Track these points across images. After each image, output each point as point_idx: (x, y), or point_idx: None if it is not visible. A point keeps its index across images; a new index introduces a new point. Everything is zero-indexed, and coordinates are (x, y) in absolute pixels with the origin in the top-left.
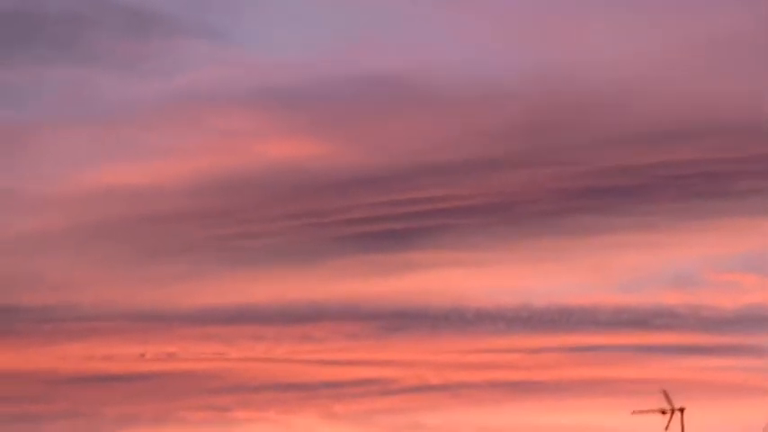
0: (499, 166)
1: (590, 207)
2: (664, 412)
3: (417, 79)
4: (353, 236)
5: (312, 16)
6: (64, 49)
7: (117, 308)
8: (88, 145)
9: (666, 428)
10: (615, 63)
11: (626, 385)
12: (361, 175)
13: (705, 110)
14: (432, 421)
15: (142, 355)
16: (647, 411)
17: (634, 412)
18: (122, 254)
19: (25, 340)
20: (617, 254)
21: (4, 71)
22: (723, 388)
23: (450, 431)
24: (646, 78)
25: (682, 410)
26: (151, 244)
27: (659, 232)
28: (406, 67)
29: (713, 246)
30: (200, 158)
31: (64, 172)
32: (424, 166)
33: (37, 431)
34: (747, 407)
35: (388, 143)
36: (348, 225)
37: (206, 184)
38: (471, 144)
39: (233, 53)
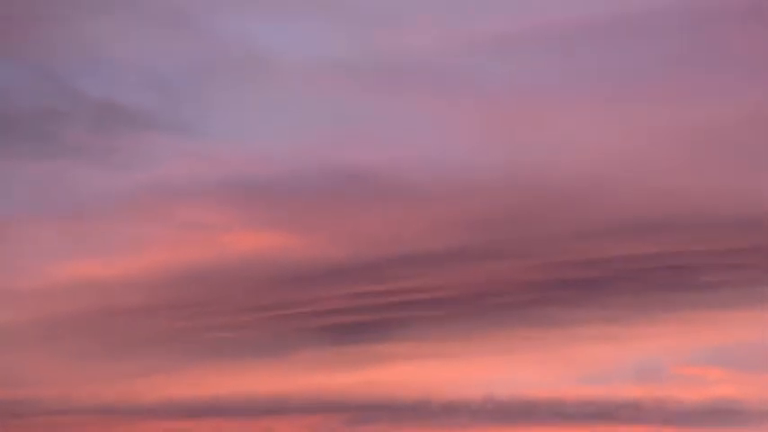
0: (466, 258)
1: (556, 299)
2: None
3: (385, 173)
4: (320, 328)
5: (281, 110)
6: (34, 144)
7: (82, 402)
8: (58, 239)
9: None
10: (583, 157)
11: None
12: (328, 267)
13: (669, 204)
14: None
15: None
16: None
17: None
18: (89, 348)
19: None
20: (582, 346)
21: None
22: None
23: None
24: (612, 173)
25: None
26: (118, 337)
27: (624, 325)
28: (375, 161)
29: (678, 339)
30: (170, 251)
31: (33, 266)
32: (390, 258)
33: None
34: None
35: (356, 236)
36: (315, 317)
37: (174, 276)
38: (438, 237)
39: (202, 147)
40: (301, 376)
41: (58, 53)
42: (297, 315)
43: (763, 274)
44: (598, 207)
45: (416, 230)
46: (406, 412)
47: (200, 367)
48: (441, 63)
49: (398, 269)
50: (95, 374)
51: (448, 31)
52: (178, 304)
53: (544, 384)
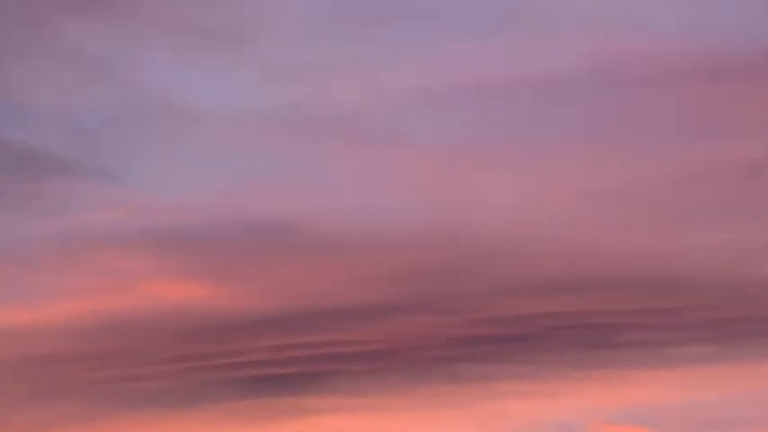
0: (389, 312)
1: (478, 355)
2: None
3: (308, 225)
4: (242, 380)
5: (204, 161)
6: None
7: None
8: None
9: None
10: (506, 214)
11: None
12: (250, 318)
13: (589, 263)
14: None
15: None
16: None
17: None
18: (4, 396)
19: None
20: (502, 403)
21: None
22: None
23: None
24: (535, 230)
25: None
26: (35, 386)
27: (546, 382)
28: (297, 213)
29: (597, 397)
30: (90, 300)
31: None
32: (314, 310)
33: None
34: None
35: (279, 287)
36: (237, 369)
37: (94, 325)
38: (362, 290)
39: (125, 195)
40: (224, 428)
41: None
42: (219, 366)
43: (676, 335)
44: (520, 264)
45: (340, 283)
46: None
47: (119, 417)
48: (367, 116)
49: (322, 322)
50: (9, 424)
51: (374, 85)
52: (97, 353)
53: None
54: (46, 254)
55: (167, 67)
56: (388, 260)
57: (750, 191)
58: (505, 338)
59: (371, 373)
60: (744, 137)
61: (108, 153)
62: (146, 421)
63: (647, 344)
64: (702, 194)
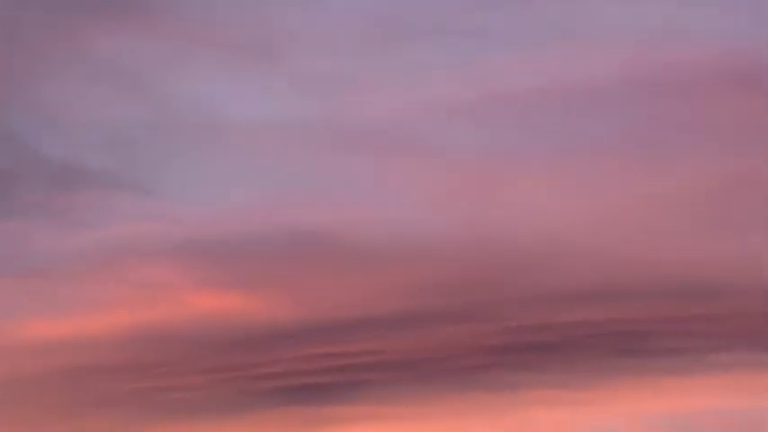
0: (421, 321)
1: (511, 364)
2: None
3: (341, 236)
4: (276, 389)
5: (239, 172)
6: None
7: None
8: (14, 298)
9: None
10: (539, 223)
11: None
12: (284, 329)
13: (624, 271)
14: None
15: None
16: None
17: None
18: (46, 408)
19: None
20: (539, 410)
21: None
22: None
23: None
24: (568, 239)
25: None
26: (75, 398)
27: (579, 390)
28: (330, 224)
29: (632, 405)
30: (127, 311)
31: None
32: (346, 320)
33: None
34: None
35: (313, 297)
36: (271, 379)
37: (131, 336)
38: (394, 300)
39: (160, 207)
40: None
41: (15, 112)
42: (253, 376)
43: (713, 343)
44: (554, 272)
45: (372, 293)
46: None
47: (158, 428)
48: (399, 126)
49: (354, 331)
50: None
51: (406, 94)
52: (136, 364)
53: None
54: (82, 266)
55: (200, 81)
56: (420, 270)
57: None
58: (538, 347)
59: (402, 383)
60: None
61: (143, 166)
62: (184, 429)
63: (684, 351)
64: (739, 203)
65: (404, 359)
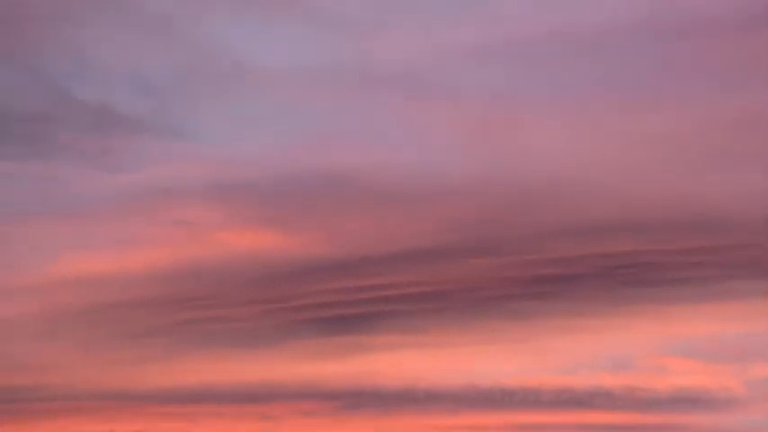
0: (446, 256)
1: (531, 294)
2: None
3: (368, 175)
4: (309, 320)
5: (266, 115)
6: (32, 146)
7: (85, 388)
8: (56, 236)
9: None
10: (555, 162)
11: None
12: (316, 263)
13: (637, 205)
14: None
15: None
16: None
17: None
18: (90, 337)
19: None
20: (556, 338)
21: None
22: None
23: None
24: (584, 176)
25: None
26: (117, 328)
27: (595, 318)
28: (356, 165)
29: (646, 331)
30: (161, 248)
31: (34, 262)
32: (376, 255)
33: None
34: None
35: (342, 234)
36: (304, 310)
37: (168, 271)
38: (420, 236)
39: (192, 149)
40: (293, 365)
41: (52, 58)
42: (287, 308)
43: (723, 272)
44: (571, 208)
45: (399, 229)
46: (392, 399)
47: (196, 356)
48: (420, 71)
49: (383, 266)
50: (97, 363)
51: (428, 40)
52: (173, 298)
53: (521, 374)
54: (118, 206)
55: (228, 27)
56: (442, 208)
57: None
58: (558, 278)
59: (430, 313)
60: None
61: (175, 110)
62: (219, 360)
63: (696, 280)
64: (742, 140)
65: (431, 291)
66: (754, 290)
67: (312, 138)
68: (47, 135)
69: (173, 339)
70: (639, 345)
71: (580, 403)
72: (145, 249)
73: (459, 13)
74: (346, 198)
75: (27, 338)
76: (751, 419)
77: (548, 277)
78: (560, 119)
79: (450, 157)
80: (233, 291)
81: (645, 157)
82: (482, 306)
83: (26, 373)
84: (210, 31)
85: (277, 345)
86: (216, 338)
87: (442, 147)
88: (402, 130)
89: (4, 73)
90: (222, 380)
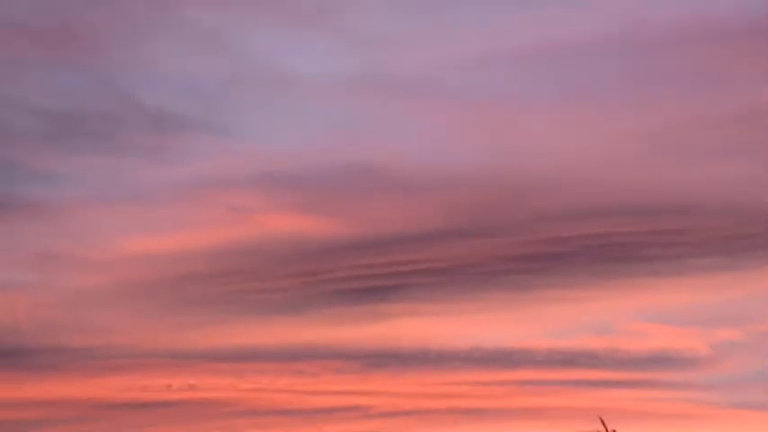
0: (454, 236)
1: (526, 269)
2: None
3: (387, 167)
4: (338, 292)
5: (302, 115)
6: (101, 143)
7: (149, 348)
8: (122, 220)
9: None
10: (548, 156)
11: (558, 411)
12: (343, 243)
13: (617, 193)
14: None
15: (169, 387)
16: None
17: None
18: (151, 305)
19: (75, 374)
20: (548, 307)
21: (56, 160)
22: (638, 414)
23: None
24: (572, 167)
25: None
26: (174, 298)
27: (581, 290)
28: (380, 157)
29: (624, 301)
30: (211, 229)
31: (104, 241)
32: (395, 236)
33: None
34: (662, 430)
35: (365, 218)
36: (333, 283)
37: (216, 249)
38: (432, 219)
39: (238, 145)
40: (324, 329)
41: (119, 68)
42: (319, 281)
43: (689, 250)
44: (561, 195)
45: (414, 214)
46: (408, 359)
47: (241, 321)
48: (433, 77)
49: (401, 245)
50: (156, 327)
51: (438, 52)
52: (223, 272)
53: (518, 337)
54: (174, 194)
55: (269, 40)
56: (453, 195)
57: (749, 133)
58: (550, 256)
59: (441, 285)
60: (744, 87)
61: (223, 111)
62: (263, 324)
63: (665, 257)
64: (709, 135)
65: (441, 266)
66: (716, 265)
67: (340, 135)
68: (114, 133)
69: (221, 307)
70: (619, 312)
71: (568, 362)
72: (196, 231)
73: (464, 28)
74: (370, 187)
75: (99, 306)
76: (714, 376)
77: (541, 255)
78: (551, 119)
79: (456, 151)
80: (272, 266)
81: (623, 152)
82: (485, 279)
83: (98, 335)
84: (254, 44)
85: (310, 312)
86: (258, 306)
87: (450, 143)
88: (416, 129)
89: (78, 80)
90: (263, 342)
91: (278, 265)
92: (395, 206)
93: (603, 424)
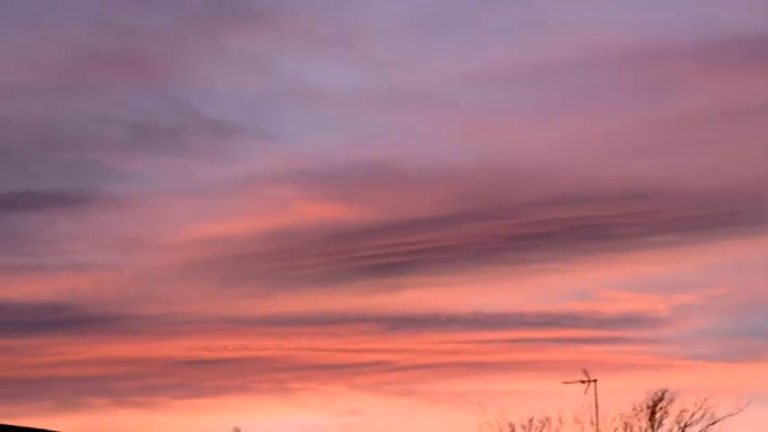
0: (459, 220)
1: (517, 247)
2: (583, 382)
3: (399, 165)
4: (363, 267)
5: (331, 123)
6: (170, 147)
7: (206, 315)
8: (187, 210)
9: (585, 393)
10: (531, 154)
11: (547, 364)
12: (367, 227)
13: (591, 182)
14: (421, 389)
15: (226, 347)
16: (572, 382)
17: (564, 382)
18: (213, 280)
19: (150, 336)
20: (536, 278)
21: (135, 162)
22: (613, 365)
23: (432, 395)
24: (552, 163)
25: (595, 381)
26: (231, 273)
27: (563, 263)
28: (392, 157)
29: (599, 272)
30: (259, 217)
31: (173, 227)
32: (410, 221)
33: (158, 396)
34: (633, 378)
35: (385, 206)
36: (360, 260)
37: (263, 233)
38: (437, 206)
39: (278, 148)
40: (352, 298)
41: (183, 86)
42: (347, 259)
43: (652, 229)
44: (544, 186)
45: (424, 202)
46: (422, 323)
47: (284, 293)
48: (434, 91)
49: (413, 228)
50: (214, 298)
51: (436, 72)
52: (267, 252)
53: (512, 303)
54: (229, 188)
55: (302, 61)
56: (456, 186)
57: (691, 132)
58: (536, 236)
59: (447, 261)
60: (682, 96)
61: (266, 119)
62: (302, 295)
63: (632, 235)
64: (656, 134)
65: (448, 245)
66: (675, 241)
67: (361, 139)
68: (180, 139)
69: (268, 281)
70: (595, 281)
71: (554, 323)
72: (247, 218)
73: (458, 50)
74: (387, 180)
75: (165, 281)
76: (674, 333)
77: (530, 235)
78: (533, 123)
79: (457, 151)
80: (309, 247)
81: (595, 149)
82: (484, 256)
83: (168, 305)
84: (289, 65)
85: (341, 285)
86: (297, 280)
87: (451, 144)
88: (424, 133)
89: (151, 97)
90: (303, 309)
91: (313, 246)
92: (408, 196)
93: (586, 374)
